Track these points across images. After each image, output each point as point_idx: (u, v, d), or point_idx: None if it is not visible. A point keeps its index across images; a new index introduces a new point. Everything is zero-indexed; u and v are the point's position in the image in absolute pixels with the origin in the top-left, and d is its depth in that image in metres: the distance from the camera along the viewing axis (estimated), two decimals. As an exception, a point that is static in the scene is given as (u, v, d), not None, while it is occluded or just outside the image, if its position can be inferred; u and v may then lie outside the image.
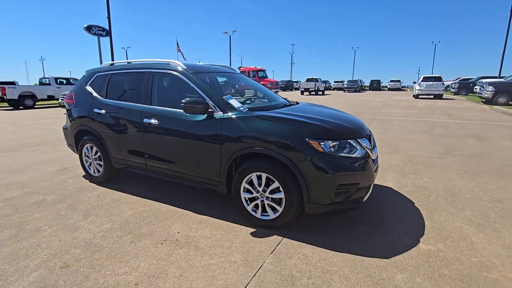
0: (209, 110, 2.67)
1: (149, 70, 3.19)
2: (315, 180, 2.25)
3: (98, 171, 3.67)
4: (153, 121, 2.97)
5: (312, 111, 2.93)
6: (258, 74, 23.20)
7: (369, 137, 2.70)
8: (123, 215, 2.84)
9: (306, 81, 29.06)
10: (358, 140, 2.48)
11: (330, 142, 2.31)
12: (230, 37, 36.26)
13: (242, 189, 2.59)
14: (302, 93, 29.56)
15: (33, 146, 5.90)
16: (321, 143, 2.26)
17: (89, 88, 3.66)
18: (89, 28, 26.61)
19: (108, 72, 3.58)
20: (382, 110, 12.70)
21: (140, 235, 2.46)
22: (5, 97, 15.17)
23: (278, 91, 23.61)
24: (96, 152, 3.61)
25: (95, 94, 3.58)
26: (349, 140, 2.40)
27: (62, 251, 2.23)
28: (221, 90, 3.42)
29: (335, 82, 43.53)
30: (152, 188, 3.52)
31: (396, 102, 17.54)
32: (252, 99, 3.60)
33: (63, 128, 4.04)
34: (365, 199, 2.47)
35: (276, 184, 2.40)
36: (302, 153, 2.26)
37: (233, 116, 2.59)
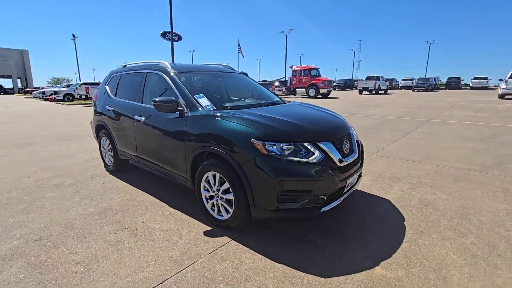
0: (179, 108, 2.76)
1: (144, 70, 3.46)
2: (257, 183, 2.14)
3: (111, 161, 4.14)
4: (141, 118, 3.22)
5: (285, 111, 2.77)
6: (311, 73, 22.55)
7: (340, 141, 2.43)
8: (111, 201, 3.16)
9: (366, 79, 27.04)
10: (319, 144, 2.26)
11: (279, 144, 2.16)
12: (286, 36, 36.08)
13: (202, 187, 2.62)
14: (360, 92, 27.63)
15: (87, 137, 6.94)
16: (266, 145, 2.14)
17: (106, 87, 4.15)
18: (164, 34, 30.37)
19: (119, 73, 4.00)
20: (445, 112, 11.03)
21: (110, 221, 2.71)
22: (88, 95, 18.15)
23: (330, 91, 22.56)
24: (109, 144, 4.07)
25: (109, 92, 4.04)
26: (305, 144, 2.21)
27: (46, 227, 2.62)
28: (194, 90, 3.37)
29: (403, 80, 39.44)
30: (147, 180, 3.81)
31: (470, 103, 15.00)
32: (243, 98, 3.57)
33: (90, 122, 4.67)
34: (324, 209, 2.24)
35: (227, 185, 2.36)
36: (247, 154, 2.17)
37: (196, 115, 2.63)
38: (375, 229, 2.49)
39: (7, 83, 53.75)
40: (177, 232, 2.50)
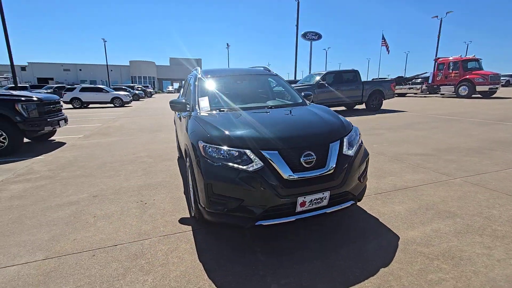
0: (187, 109, 3.19)
1: (190, 76, 4.11)
2: (197, 182, 2.27)
3: (180, 150, 5.14)
4: (180, 114, 3.89)
5: (261, 116, 2.73)
6: (465, 65, 17.51)
7: (298, 152, 2.14)
8: (155, 180, 4.02)
9: None
10: (263, 152, 2.11)
11: (221, 148, 2.19)
12: (441, 21, 29.25)
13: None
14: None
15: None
16: (207, 147, 2.22)
17: (181, 90, 5.15)
18: (304, 35, 32.35)
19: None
20: None
21: (137, 194, 3.51)
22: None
23: (495, 89, 16.69)
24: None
25: (180, 93, 5.01)
26: (246, 151, 2.13)
27: (104, 189, 3.72)
28: (204, 92, 3.58)
29: None
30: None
31: None
32: (250, 101, 3.68)
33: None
34: (261, 222, 2.09)
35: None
36: (195, 154, 2.33)
37: (191, 115, 2.97)
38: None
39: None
40: (167, 213, 2.97)
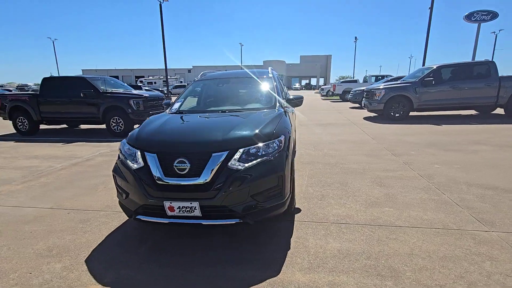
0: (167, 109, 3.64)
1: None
2: None
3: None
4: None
5: (186, 119, 2.92)
6: None
7: (172, 157, 2.19)
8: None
9: None
10: (145, 153, 2.31)
11: (126, 145, 2.52)
12: None
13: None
14: None
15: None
16: (123, 144, 2.59)
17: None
18: (470, 16, 25.71)
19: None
20: None
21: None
22: (334, 92, 20.76)
23: None
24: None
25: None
26: (136, 151, 2.38)
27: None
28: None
29: None
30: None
31: None
32: (221, 104, 3.71)
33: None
34: (139, 217, 2.31)
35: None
36: None
37: (163, 114, 3.41)
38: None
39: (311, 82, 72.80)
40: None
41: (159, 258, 2.25)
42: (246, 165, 2.19)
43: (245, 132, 2.40)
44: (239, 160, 2.21)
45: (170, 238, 2.54)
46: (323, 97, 25.53)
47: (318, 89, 35.14)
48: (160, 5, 18.45)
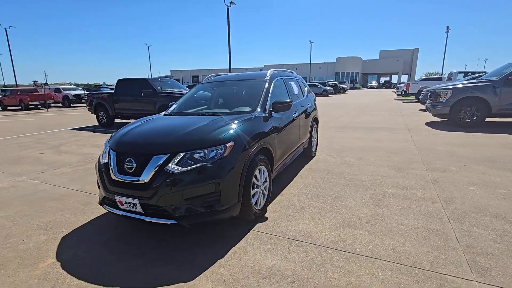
0: (168, 110, 3.96)
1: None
2: None
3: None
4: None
5: (162, 120, 3.11)
6: None
7: (123, 157, 2.42)
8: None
9: None
10: (110, 151, 2.61)
11: (106, 143, 2.87)
12: None
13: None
14: None
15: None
16: (106, 141, 2.97)
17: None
18: None
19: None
20: None
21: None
22: (407, 91, 18.34)
23: None
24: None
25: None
26: (108, 148, 2.70)
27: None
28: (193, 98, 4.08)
29: None
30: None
31: None
32: (210, 106, 3.81)
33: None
34: (105, 206, 2.64)
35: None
36: None
37: (160, 116, 3.73)
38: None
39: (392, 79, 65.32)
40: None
41: (116, 245, 2.53)
42: (183, 169, 2.27)
43: (190, 137, 2.47)
44: (177, 163, 2.29)
45: (134, 232, 2.80)
46: (397, 97, 22.88)
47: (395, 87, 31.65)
48: (228, 8, 19.73)
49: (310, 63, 50.09)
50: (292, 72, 5.12)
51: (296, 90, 4.57)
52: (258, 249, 2.37)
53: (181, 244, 2.50)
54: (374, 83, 53.84)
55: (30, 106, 20.36)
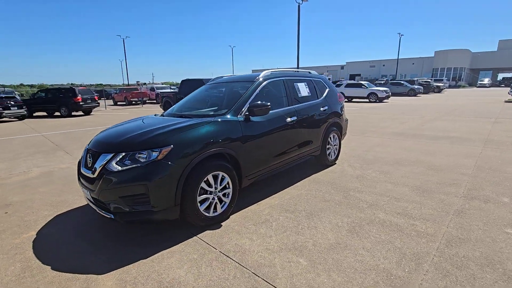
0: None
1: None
2: None
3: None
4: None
5: (144, 120, 3.28)
6: None
7: (90, 152, 2.71)
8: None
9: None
10: (85, 147, 2.96)
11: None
12: None
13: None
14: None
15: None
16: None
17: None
18: None
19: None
20: None
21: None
22: None
23: None
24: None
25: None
26: (86, 145, 3.07)
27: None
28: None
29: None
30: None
31: None
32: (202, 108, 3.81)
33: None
34: (91, 207, 3.01)
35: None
36: None
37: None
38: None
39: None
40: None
41: (86, 230, 2.88)
42: (120, 168, 2.40)
43: (136, 139, 2.57)
44: (117, 162, 2.44)
45: (106, 223, 3.09)
46: (509, 98, 18.10)
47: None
48: (299, 6, 19.26)
49: (398, 59, 44.02)
50: (309, 72, 4.70)
51: (304, 92, 4.16)
52: (182, 257, 2.31)
53: (126, 239, 2.64)
54: (486, 81, 43.43)
55: (132, 102, 24.73)
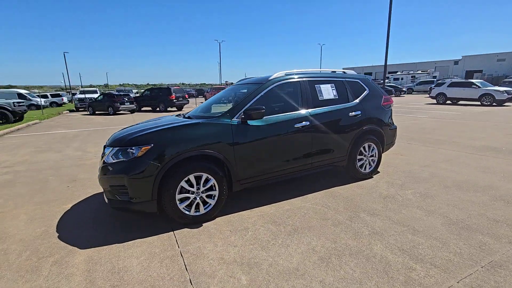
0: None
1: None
2: None
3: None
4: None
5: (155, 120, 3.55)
6: None
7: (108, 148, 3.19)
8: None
9: None
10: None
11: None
12: None
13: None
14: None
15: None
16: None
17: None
18: None
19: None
20: None
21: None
22: None
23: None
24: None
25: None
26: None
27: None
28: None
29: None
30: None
31: None
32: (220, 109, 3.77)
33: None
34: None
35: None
36: None
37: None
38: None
39: None
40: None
41: (104, 210, 3.42)
42: (112, 161, 2.76)
43: (130, 136, 2.85)
44: (112, 155, 2.80)
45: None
46: None
47: None
48: (390, 1, 16.70)
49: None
50: (344, 72, 4.17)
51: (329, 94, 3.72)
52: (146, 248, 2.48)
53: (123, 223, 3.00)
54: None
55: (220, 100, 27.33)
